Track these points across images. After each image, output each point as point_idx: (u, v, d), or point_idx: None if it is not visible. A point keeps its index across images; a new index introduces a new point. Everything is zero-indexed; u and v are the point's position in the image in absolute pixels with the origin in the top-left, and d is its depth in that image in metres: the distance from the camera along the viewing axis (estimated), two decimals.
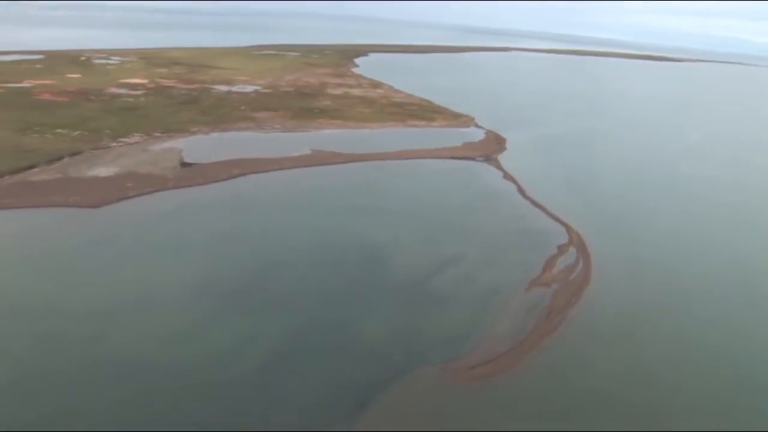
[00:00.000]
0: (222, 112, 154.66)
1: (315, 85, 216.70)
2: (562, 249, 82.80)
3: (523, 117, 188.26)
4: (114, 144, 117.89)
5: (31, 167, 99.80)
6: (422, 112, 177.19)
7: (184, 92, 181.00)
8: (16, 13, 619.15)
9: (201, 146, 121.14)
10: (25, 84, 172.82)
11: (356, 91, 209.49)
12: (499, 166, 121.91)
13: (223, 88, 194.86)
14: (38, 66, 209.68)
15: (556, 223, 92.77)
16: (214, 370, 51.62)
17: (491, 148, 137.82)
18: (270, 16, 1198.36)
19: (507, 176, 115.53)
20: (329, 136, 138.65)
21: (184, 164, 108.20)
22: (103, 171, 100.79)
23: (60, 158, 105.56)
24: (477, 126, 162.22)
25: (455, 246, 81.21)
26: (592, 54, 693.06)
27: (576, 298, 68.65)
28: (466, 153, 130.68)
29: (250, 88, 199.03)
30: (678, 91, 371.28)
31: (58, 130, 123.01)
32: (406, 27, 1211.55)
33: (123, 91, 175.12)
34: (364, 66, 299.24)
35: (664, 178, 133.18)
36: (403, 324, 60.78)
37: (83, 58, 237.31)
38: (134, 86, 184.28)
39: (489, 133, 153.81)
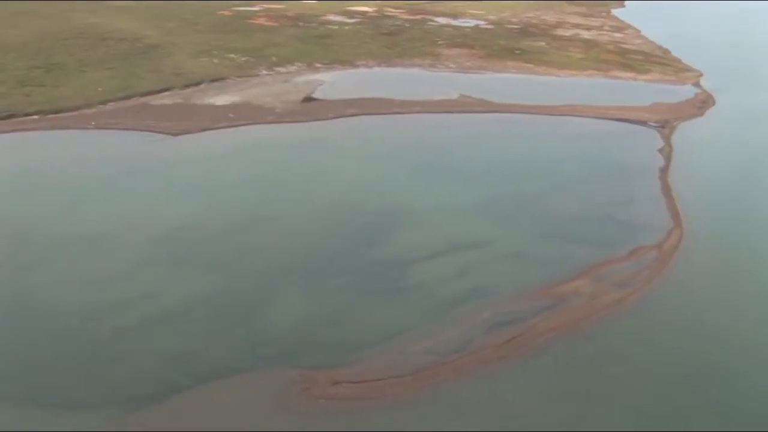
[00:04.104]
0: (411, 46, 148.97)
1: (547, 24, 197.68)
2: (634, 253, 64.13)
3: None
4: (265, 72, 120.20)
5: (165, 90, 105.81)
6: (641, 63, 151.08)
7: (398, 23, 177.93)
8: None
9: (346, 81, 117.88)
10: (255, 8, 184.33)
11: (587, 34, 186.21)
12: (667, 136, 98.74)
13: (443, 20, 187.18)
14: None
15: (668, 218, 72.41)
16: (81, 320, 49.33)
17: (684, 111, 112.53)
18: None
19: (664, 149, 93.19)
20: (498, 81, 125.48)
21: (306, 99, 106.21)
22: (222, 99, 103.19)
23: (198, 83, 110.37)
24: (695, 84, 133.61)
25: (496, 227, 67.43)
26: None
27: (573, 326, 52.31)
28: (642, 115, 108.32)
29: (471, 23, 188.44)
30: None
31: (231, 55, 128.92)
32: None
33: (338, 18, 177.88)
34: (634, 8, 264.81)
35: None
36: (324, 312, 51.99)
37: None
38: (354, 14, 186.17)
39: (701, 94, 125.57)
